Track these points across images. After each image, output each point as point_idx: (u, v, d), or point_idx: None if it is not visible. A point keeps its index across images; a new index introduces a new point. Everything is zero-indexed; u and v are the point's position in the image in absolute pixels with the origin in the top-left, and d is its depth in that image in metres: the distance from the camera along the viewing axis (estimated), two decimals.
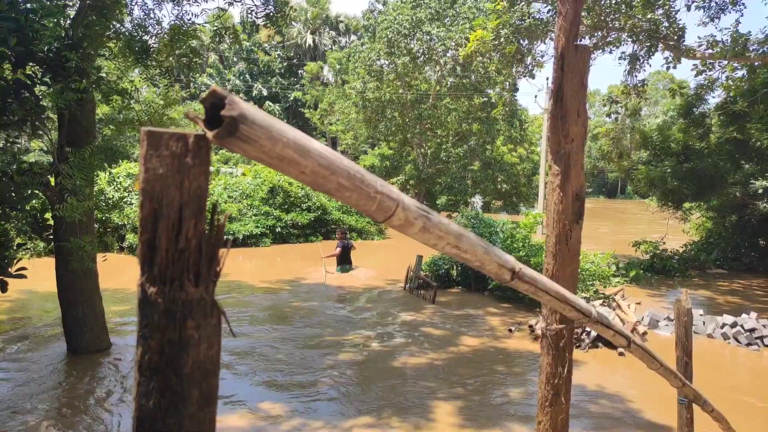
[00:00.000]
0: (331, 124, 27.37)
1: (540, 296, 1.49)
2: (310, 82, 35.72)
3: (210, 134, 0.77)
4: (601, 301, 10.23)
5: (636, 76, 14.02)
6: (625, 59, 13.69)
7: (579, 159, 1.97)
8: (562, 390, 1.99)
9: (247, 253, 17.46)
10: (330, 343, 8.17)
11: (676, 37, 12.73)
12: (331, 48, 39.22)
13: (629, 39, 13.22)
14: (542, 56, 13.91)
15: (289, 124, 0.86)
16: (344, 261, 13.83)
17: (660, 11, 12.43)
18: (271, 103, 37.42)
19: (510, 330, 9.11)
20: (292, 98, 36.70)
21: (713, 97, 15.85)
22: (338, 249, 13.90)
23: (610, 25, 12.95)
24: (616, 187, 78.75)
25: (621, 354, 7.91)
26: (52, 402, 5.87)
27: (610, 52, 14.07)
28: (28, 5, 5.47)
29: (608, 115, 15.61)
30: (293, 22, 37.12)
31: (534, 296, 1.49)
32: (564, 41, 1.87)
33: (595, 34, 13.10)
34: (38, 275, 9.10)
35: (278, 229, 19.46)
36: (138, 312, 0.79)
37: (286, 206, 20.42)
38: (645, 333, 8.99)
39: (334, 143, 36.45)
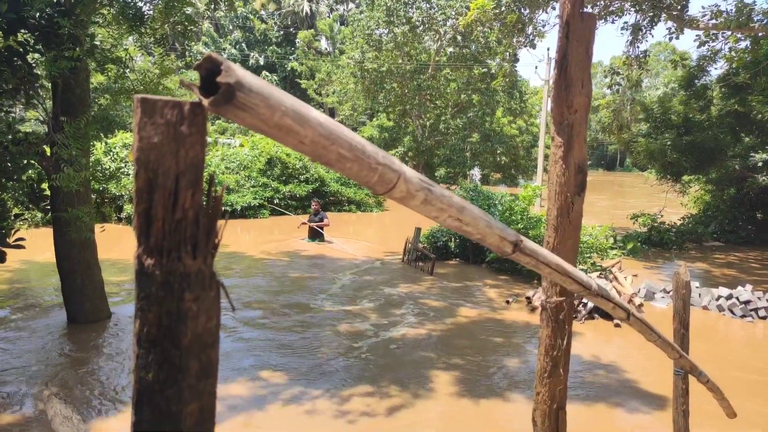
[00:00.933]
0: (328, 95, 27.07)
1: (541, 269, 1.48)
2: (304, 52, 35.19)
3: (206, 102, 0.75)
4: (598, 273, 10.30)
5: (638, 47, 13.83)
6: (627, 29, 13.47)
7: (582, 130, 1.94)
8: (561, 362, 2.00)
9: (245, 224, 17.47)
10: (329, 314, 8.23)
11: (679, 7, 12.51)
12: (329, 16, 38.53)
13: (632, 9, 12.99)
14: (544, 26, 13.68)
15: (287, 93, 0.84)
16: (316, 233, 14.03)
17: None
18: (268, 73, 36.93)
19: (507, 301, 9.19)
20: (289, 68, 36.20)
21: (715, 69, 15.66)
22: (326, 220, 14.06)
23: None
24: (616, 159, 78.55)
25: (617, 325, 7.99)
26: (54, 371, 5.93)
27: (612, 22, 13.84)
28: None
29: (609, 87, 15.44)
30: None
31: (535, 269, 1.48)
32: (570, 8, 1.82)
33: (598, 3, 12.86)
34: (37, 245, 9.12)
35: (276, 201, 19.43)
36: (135, 284, 0.78)
37: (284, 178, 20.35)
38: (641, 305, 9.08)
39: (332, 114, 36.13)
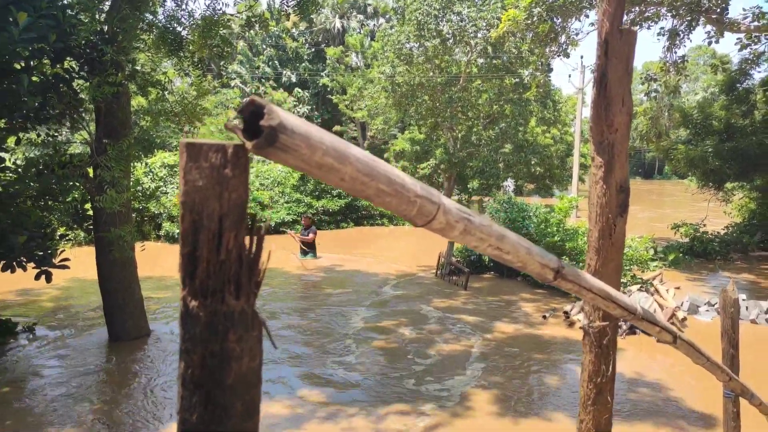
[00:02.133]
0: (360, 110, 27.28)
1: (583, 294, 1.44)
2: (334, 68, 35.60)
3: (249, 145, 0.75)
4: (638, 286, 10.01)
5: (675, 52, 13.50)
6: (664, 35, 13.19)
7: (623, 149, 1.88)
8: (606, 389, 1.94)
9: (279, 240, 17.66)
10: (363, 329, 8.22)
11: (719, 10, 12.18)
12: (359, 32, 38.95)
13: (669, 14, 12.71)
14: (577, 34, 13.50)
15: (325, 130, 0.84)
16: (310, 248, 13.99)
17: None
18: (300, 90, 37.50)
19: (544, 316, 9.01)
20: (321, 84, 36.66)
21: (758, 72, 15.19)
22: (311, 235, 14.08)
23: (648, 0, 12.47)
24: (653, 167, 76.64)
25: (659, 340, 7.74)
26: (96, 390, 6.08)
27: (648, 28, 13.57)
28: (65, 1, 5.57)
29: (646, 94, 15.10)
30: (322, 8, 37.00)
31: (577, 294, 1.45)
32: (608, 26, 1.78)
33: (632, 10, 12.64)
34: (80, 264, 9.40)
35: (309, 216, 19.60)
36: (180, 326, 0.79)
37: (316, 193, 20.55)
38: (684, 319, 8.77)
39: (363, 128, 36.38)
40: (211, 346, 0.79)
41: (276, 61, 38.69)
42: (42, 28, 5.11)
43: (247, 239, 0.81)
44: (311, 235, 14.09)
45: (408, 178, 0.96)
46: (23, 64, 5.63)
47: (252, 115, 0.76)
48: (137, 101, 9.62)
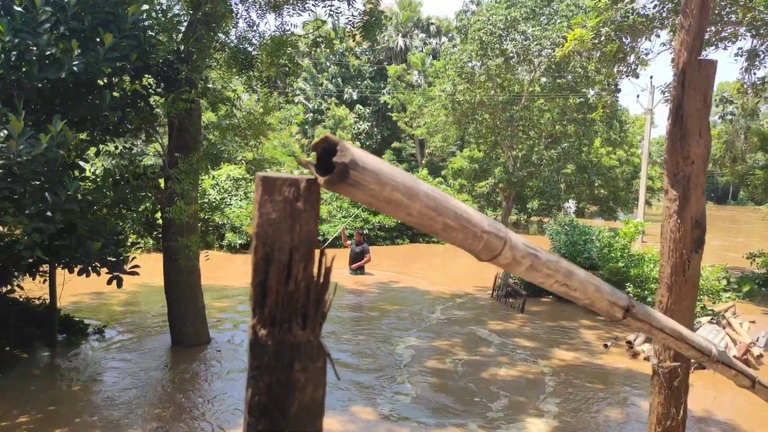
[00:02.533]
0: (419, 127, 27.39)
1: (654, 334, 1.38)
2: (395, 86, 35.96)
3: (321, 180, 0.77)
4: (709, 318, 9.46)
5: (754, 74, 12.82)
6: (742, 56, 12.57)
7: (700, 182, 1.79)
8: None
9: (336, 253, 17.84)
10: (417, 349, 8.16)
11: None
12: (422, 50, 39.27)
13: (747, 33, 12.11)
14: (647, 54, 13.07)
15: (394, 166, 0.85)
16: (356, 266, 13.68)
17: None
18: (361, 107, 38.10)
19: (606, 345, 8.65)
20: (382, 101, 37.13)
21: None
22: (367, 256, 13.77)
23: (726, 19, 11.93)
24: (727, 192, 72.66)
25: (736, 383, 7.26)
26: (157, 391, 6.31)
27: (725, 49, 12.96)
28: (146, 22, 5.93)
29: (721, 117, 14.41)
30: (386, 27, 37.61)
31: (648, 333, 1.38)
32: (686, 56, 1.71)
33: (708, 30, 12.12)
34: (148, 270, 9.84)
35: (365, 231, 19.76)
36: (249, 354, 0.81)
37: (373, 209, 20.72)
38: (761, 356, 8.19)
39: (421, 146, 36.46)
40: (278, 374, 0.80)
41: (339, 78, 39.52)
42: (124, 47, 5.45)
43: (315, 269, 0.83)
44: (367, 256, 13.86)
45: (474, 213, 0.96)
46: (106, 81, 6.02)
47: (324, 152, 0.78)
48: (207, 116, 10.06)
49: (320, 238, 15.83)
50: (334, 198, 20.65)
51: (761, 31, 11.64)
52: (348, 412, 5.86)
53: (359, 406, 6.01)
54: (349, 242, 14.60)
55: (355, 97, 38.80)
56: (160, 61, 6.34)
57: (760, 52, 12.24)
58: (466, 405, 6.15)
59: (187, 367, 7.09)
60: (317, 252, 0.83)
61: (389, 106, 36.42)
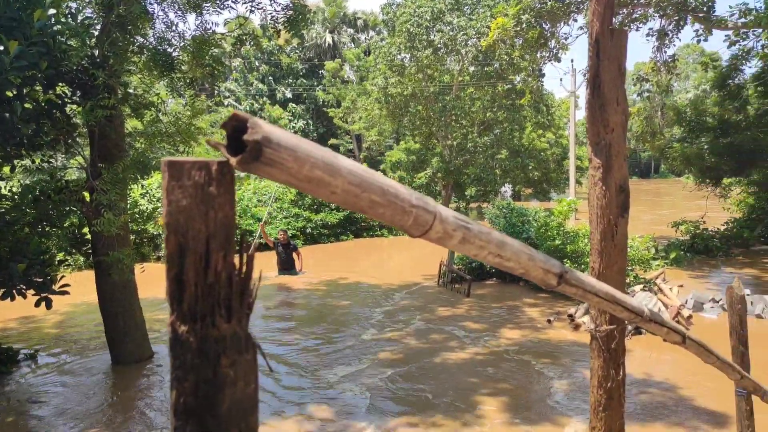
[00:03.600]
0: (354, 122, 27.39)
1: (588, 298, 1.41)
2: (331, 82, 35.79)
3: (233, 160, 0.73)
4: (641, 286, 9.97)
5: (665, 52, 13.56)
6: (653, 35, 13.25)
7: (621, 149, 1.86)
8: (617, 394, 1.90)
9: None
10: (368, 341, 8.16)
11: (705, 9, 12.25)
12: (351, 45, 39.21)
13: (656, 14, 12.78)
14: (566, 38, 13.56)
15: (314, 142, 0.81)
16: (286, 265, 13.53)
17: None
18: (294, 105, 37.65)
19: (549, 320, 8.95)
20: (319, 99, 36.85)
21: (750, 68, 15.23)
22: (296, 256, 13.68)
23: (636, 1, 12.54)
24: (650, 166, 76.86)
25: (668, 340, 7.68)
26: (99, 416, 6.00)
27: (637, 29, 13.63)
28: (55, 27, 5.58)
29: (639, 95, 15.16)
30: (312, 23, 37.29)
31: (582, 299, 1.41)
32: (598, 26, 1.76)
33: (620, 12, 12.70)
34: (81, 288, 9.34)
35: (308, 230, 19.56)
36: (170, 353, 0.75)
37: (315, 207, 20.54)
38: (690, 317, 8.72)
39: (358, 140, 36.48)
40: (203, 372, 0.75)
41: (270, 78, 38.88)
42: (33, 55, 5.12)
43: (236, 259, 0.78)
44: (299, 254, 13.80)
45: (402, 188, 0.93)
46: (15, 92, 5.62)
47: (235, 130, 0.73)
48: (131, 123, 9.62)
49: (249, 241, 15.51)
50: (274, 199, 20.31)
51: (668, 12, 12.31)
52: (303, 411, 5.78)
53: (314, 404, 5.95)
54: (271, 240, 14.13)
55: (288, 95, 38.31)
56: (74, 67, 5.99)
57: (669, 32, 12.95)
58: (420, 392, 6.21)
59: (130, 385, 6.78)
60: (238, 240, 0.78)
61: (324, 103, 36.20)
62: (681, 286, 10.82)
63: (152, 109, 7.11)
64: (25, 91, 5.87)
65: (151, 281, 10.12)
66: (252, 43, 8.68)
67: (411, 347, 7.84)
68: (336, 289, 12.04)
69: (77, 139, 7.09)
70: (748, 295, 9.57)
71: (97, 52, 6.38)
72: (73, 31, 5.90)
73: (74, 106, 6.60)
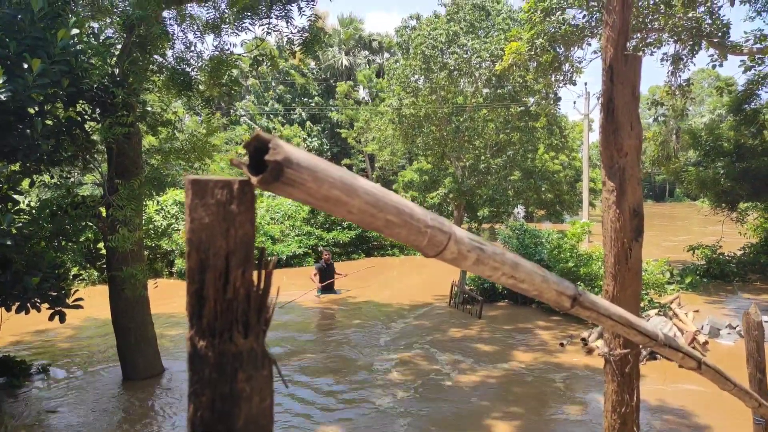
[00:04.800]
0: (367, 142, 27.57)
1: (602, 321, 1.40)
2: (343, 103, 36.15)
3: (255, 180, 0.74)
4: (656, 311, 9.82)
5: (680, 76, 13.56)
6: (667, 60, 13.26)
7: (635, 173, 1.86)
8: (630, 418, 1.87)
9: (291, 273, 17.63)
10: (379, 362, 8.10)
11: (720, 34, 12.26)
12: (366, 67, 39.65)
13: (671, 39, 12.81)
14: (580, 62, 13.62)
15: (332, 163, 0.83)
16: (331, 285, 13.50)
17: (702, 8, 12.01)
18: (311, 124, 38.03)
19: (562, 344, 8.84)
20: (332, 118, 37.19)
21: (766, 92, 15.16)
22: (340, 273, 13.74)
23: (650, 26, 12.59)
24: (664, 189, 76.17)
25: (683, 366, 7.54)
26: (109, 430, 6.00)
27: (651, 54, 13.65)
28: (78, 47, 5.72)
29: (655, 119, 15.13)
30: (328, 45, 37.83)
31: (596, 321, 1.41)
32: (612, 52, 1.78)
33: (634, 36, 12.75)
34: (94, 303, 9.41)
35: (320, 248, 19.59)
36: (188, 367, 0.77)
37: (327, 225, 20.60)
38: (706, 342, 8.56)
39: (371, 160, 36.65)
40: (221, 387, 0.76)
41: (287, 97, 39.37)
42: (55, 73, 5.24)
43: (255, 275, 0.80)
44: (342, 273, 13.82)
45: (417, 209, 0.95)
46: (37, 109, 5.75)
47: (257, 151, 0.75)
48: (148, 140, 9.77)
49: (268, 259, 15.53)
50: (286, 217, 20.42)
51: (682, 37, 12.34)
52: (313, 430, 5.74)
53: (324, 424, 5.90)
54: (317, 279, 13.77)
55: (304, 116, 38.72)
56: (95, 85, 6.12)
57: (683, 56, 12.95)
58: (430, 416, 6.13)
59: (141, 400, 6.78)
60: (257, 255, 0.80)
61: (338, 123, 36.52)
62: (696, 311, 10.64)
63: (169, 126, 7.23)
64: (46, 108, 6.01)
65: (164, 297, 10.22)
66: (269, 64, 8.83)
67: (421, 368, 7.77)
68: (347, 308, 12.01)
69: (95, 155, 7.21)
70: (765, 321, 9.38)
71: (117, 71, 6.52)
72: (95, 50, 6.04)
73: (93, 123, 6.73)
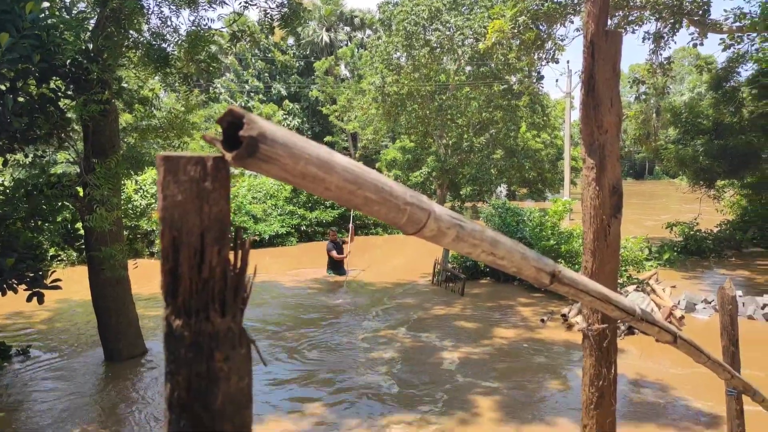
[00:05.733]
0: (350, 120, 27.36)
1: (581, 297, 1.42)
2: (323, 80, 35.71)
3: (229, 156, 0.73)
4: (635, 287, 10.02)
5: (661, 54, 13.64)
6: (648, 38, 13.31)
7: (614, 150, 1.87)
8: (608, 392, 1.91)
9: (273, 252, 17.59)
10: (362, 340, 8.16)
11: (701, 12, 12.32)
12: (347, 44, 39.15)
13: (652, 17, 12.84)
14: (562, 40, 13.61)
15: (310, 139, 0.81)
16: (334, 265, 13.17)
17: None
18: (290, 102, 37.56)
19: (542, 320, 8.98)
20: (312, 97, 36.76)
21: (745, 70, 15.33)
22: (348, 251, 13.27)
23: (631, 4, 12.59)
24: (644, 167, 77.16)
25: (659, 340, 7.72)
26: (91, 412, 5.98)
27: (633, 32, 13.69)
28: (49, 21, 5.54)
29: (637, 98, 15.23)
30: (308, 21, 37.17)
31: (574, 297, 1.42)
32: (593, 27, 1.77)
33: (616, 14, 12.75)
34: (74, 284, 9.30)
35: (303, 228, 19.55)
36: (164, 347, 0.76)
37: (309, 204, 20.52)
38: (682, 317, 8.77)
39: (354, 139, 36.45)
40: (197, 367, 0.76)
41: (266, 74, 38.78)
42: (25, 48, 5.08)
43: (231, 254, 0.78)
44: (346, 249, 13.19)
45: (396, 186, 0.94)
46: (8, 85, 5.59)
47: (231, 126, 0.73)
48: (125, 118, 9.58)
49: (245, 237, 15.45)
50: (268, 196, 20.28)
51: (663, 15, 12.37)
52: (296, 408, 5.78)
53: (307, 402, 5.95)
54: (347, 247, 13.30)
55: (284, 93, 38.22)
56: (68, 61, 5.95)
57: (664, 34, 13.01)
58: (414, 391, 6.22)
59: (123, 380, 6.76)
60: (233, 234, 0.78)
61: (319, 101, 36.13)
62: (674, 286, 10.88)
63: (146, 104, 7.08)
64: (18, 84, 5.84)
65: (145, 277, 10.14)
66: (248, 40, 8.66)
67: (405, 346, 7.85)
68: (329, 287, 12.04)
69: (71, 133, 7.05)
70: (739, 296, 9.64)
71: (91, 47, 6.34)
72: (67, 24, 5.86)
73: (68, 101, 6.56)
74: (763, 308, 8.99)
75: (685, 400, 5.89)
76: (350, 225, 14.00)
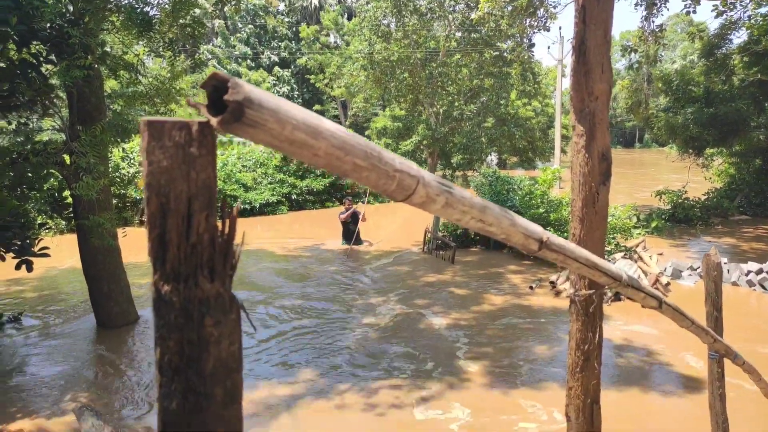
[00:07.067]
0: (339, 88, 27.02)
1: (569, 264, 1.43)
2: (309, 47, 35.04)
3: (214, 121, 0.72)
4: (622, 254, 10.15)
5: (653, 21, 13.49)
6: (641, 4, 13.15)
7: (604, 117, 1.87)
8: (593, 355, 1.96)
9: (264, 221, 17.58)
10: (353, 306, 8.25)
11: None
12: (335, 8, 38.32)
13: None
14: (555, 7, 13.41)
15: (298, 105, 0.80)
16: (348, 234, 12.86)
17: None
18: (280, 69, 36.96)
19: (531, 287, 9.11)
20: (303, 64, 36.18)
21: (737, 37, 15.25)
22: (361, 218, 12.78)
23: None
24: (634, 136, 77.24)
25: (645, 306, 7.87)
26: (85, 378, 6.04)
27: None
28: None
29: (630, 67, 15.12)
30: None
31: (562, 264, 1.44)
32: None
33: None
34: (63, 252, 9.27)
35: (294, 196, 19.49)
36: (153, 312, 0.76)
37: (300, 173, 20.41)
38: (668, 284, 8.93)
39: (344, 107, 36.06)
40: (187, 332, 0.76)
41: (254, 40, 38.01)
42: (1, 9, 4.93)
43: (219, 223, 0.78)
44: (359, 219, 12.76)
45: (385, 152, 0.93)
46: None
47: (216, 91, 0.72)
48: (110, 84, 9.39)
49: (231, 205, 15.37)
50: (258, 165, 20.14)
51: None
52: (287, 372, 5.87)
53: (298, 366, 6.03)
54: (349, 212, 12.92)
55: (275, 58, 37.55)
56: (48, 25, 5.79)
57: (657, 1, 12.85)
58: (404, 356, 6.32)
59: (116, 347, 6.81)
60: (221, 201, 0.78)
61: (308, 68, 35.56)
62: (661, 254, 11.03)
63: (130, 70, 6.93)
64: None
65: (135, 245, 10.12)
66: (233, 3, 8.45)
67: (396, 312, 7.95)
68: (319, 255, 12.09)
69: (55, 100, 6.91)
70: (724, 263, 9.81)
71: (72, 9, 6.16)
72: None
73: (50, 66, 6.41)
74: (747, 275, 9.16)
75: (668, 364, 6.04)
76: (362, 202, 13.72)
